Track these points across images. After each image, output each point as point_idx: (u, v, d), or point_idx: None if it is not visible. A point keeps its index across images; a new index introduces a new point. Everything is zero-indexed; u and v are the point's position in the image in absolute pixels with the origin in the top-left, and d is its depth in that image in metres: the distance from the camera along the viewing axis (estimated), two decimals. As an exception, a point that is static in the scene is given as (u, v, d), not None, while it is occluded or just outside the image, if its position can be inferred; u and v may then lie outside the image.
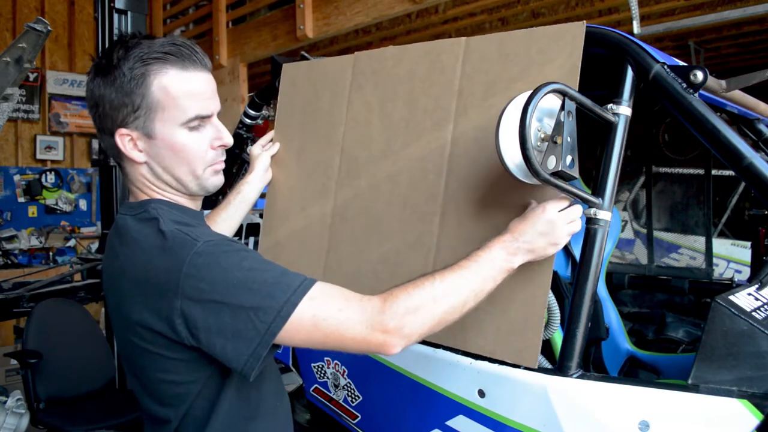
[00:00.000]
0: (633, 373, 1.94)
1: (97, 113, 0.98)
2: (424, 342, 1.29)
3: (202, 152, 1.00)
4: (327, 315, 0.87)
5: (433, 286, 0.93)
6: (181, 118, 0.97)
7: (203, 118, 0.99)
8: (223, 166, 1.06)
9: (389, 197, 1.37)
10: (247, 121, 1.98)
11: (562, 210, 1.05)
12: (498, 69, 1.23)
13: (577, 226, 1.07)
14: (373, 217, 1.40)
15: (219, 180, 1.05)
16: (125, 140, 0.97)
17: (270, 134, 1.62)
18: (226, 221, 1.47)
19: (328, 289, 0.91)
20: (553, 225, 1.04)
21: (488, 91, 1.24)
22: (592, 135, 1.29)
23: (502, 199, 1.19)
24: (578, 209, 1.08)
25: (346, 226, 1.45)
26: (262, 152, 1.55)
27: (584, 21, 1.13)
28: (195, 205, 1.07)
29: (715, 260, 2.49)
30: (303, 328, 0.87)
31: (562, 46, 1.14)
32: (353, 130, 1.48)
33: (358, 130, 1.47)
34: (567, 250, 1.81)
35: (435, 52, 1.34)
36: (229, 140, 1.04)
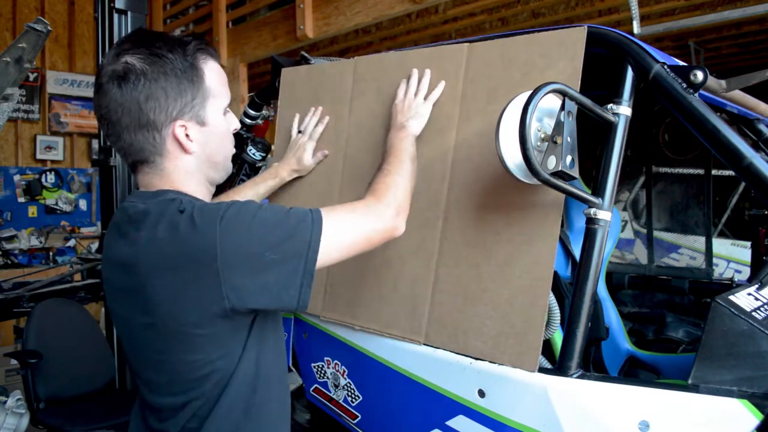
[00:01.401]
0: (633, 373, 1.93)
1: (141, 113, 0.95)
2: (424, 342, 1.30)
3: (231, 136, 1.09)
4: (348, 234, 1.01)
5: (393, 176, 1.14)
6: (223, 105, 1.05)
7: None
8: None
9: None
10: (247, 121, 1.98)
11: (403, 95, 1.33)
12: (500, 74, 1.23)
13: (424, 85, 1.33)
14: None
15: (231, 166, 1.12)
16: (181, 131, 0.99)
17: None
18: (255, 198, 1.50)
19: (335, 215, 1.00)
20: (408, 102, 1.32)
21: (491, 96, 1.24)
22: (592, 135, 1.29)
23: (503, 203, 1.19)
24: (414, 81, 1.34)
25: None
26: (309, 142, 1.56)
27: (585, 26, 1.13)
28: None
29: (715, 260, 2.49)
30: (334, 249, 0.98)
31: (564, 50, 1.14)
32: (356, 136, 1.48)
33: (361, 136, 1.47)
34: (567, 250, 1.80)
35: (437, 58, 1.34)
36: (239, 125, 1.12)
